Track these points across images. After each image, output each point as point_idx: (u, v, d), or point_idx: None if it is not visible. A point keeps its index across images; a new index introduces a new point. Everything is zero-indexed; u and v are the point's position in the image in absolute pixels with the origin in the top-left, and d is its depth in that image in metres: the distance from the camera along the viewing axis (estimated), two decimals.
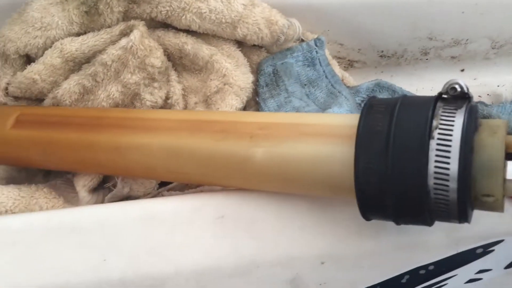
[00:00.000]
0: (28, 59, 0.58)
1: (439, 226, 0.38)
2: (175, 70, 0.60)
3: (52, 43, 0.55)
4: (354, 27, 0.65)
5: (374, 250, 0.44)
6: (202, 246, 0.44)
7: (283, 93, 0.59)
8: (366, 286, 0.47)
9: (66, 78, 0.56)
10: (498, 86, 0.71)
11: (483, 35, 0.68)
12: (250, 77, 0.59)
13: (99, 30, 0.56)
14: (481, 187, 0.34)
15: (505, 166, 0.34)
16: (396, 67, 0.71)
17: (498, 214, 0.36)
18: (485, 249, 0.46)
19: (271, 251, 0.44)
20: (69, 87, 0.54)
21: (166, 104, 0.58)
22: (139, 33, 0.53)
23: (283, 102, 0.59)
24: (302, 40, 0.62)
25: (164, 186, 0.54)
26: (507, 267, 0.48)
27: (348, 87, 0.63)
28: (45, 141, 0.50)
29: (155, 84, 0.55)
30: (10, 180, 0.58)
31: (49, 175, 0.59)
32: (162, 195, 0.53)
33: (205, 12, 0.55)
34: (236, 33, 0.57)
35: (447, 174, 0.34)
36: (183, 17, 0.56)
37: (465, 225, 0.37)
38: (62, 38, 0.55)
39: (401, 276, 0.46)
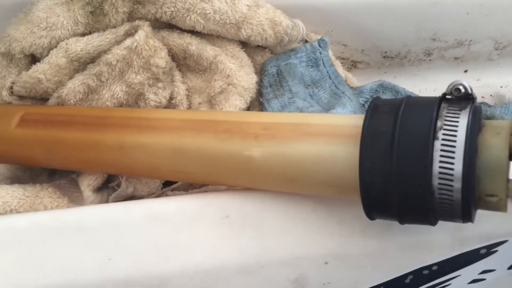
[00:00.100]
0: (33, 59, 0.58)
1: (443, 226, 0.39)
2: (179, 70, 0.60)
3: (57, 43, 0.56)
4: (357, 28, 0.65)
5: (378, 250, 0.44)
6: (206, 245, 0.44)
7: (287, 93, 0.59)
8: (369, 286, 0.47)
9: (71, 77, 0.56)
10: (501, 87, 0.71)
11: (487, 36, 0.68)
12: (254, 78, 0.59)
13: (104, 30, 0.56)
14: (485, 187, 0.34)
15: (508, 166, 0.34)
16: (400, 68, 0.71)
17: (502, 214, 0.36)
18: (489, 250, 0.46)
19: (276, 250, 0.44)
20: (74, 86, 0.54)
21: (170, 104, 0.58)
22: (143, 33, 0.53)
23: (287, 102, 0.59)
24: (306, 41, 0.62)
25: (168, 186, 0.54)
26: (511, 267, 0.48)
27: (351, 87, 0.64)
28: (50, 140, 0.50)
29: (159, 84, 0.56)
30: (15, 180, 0.58)
31: (53, 174, 0.59)
32: (166, 195, 0.53)
33: (209, 13, 0.56)
34: (240, 34, 0.57)
35: (452, 175, 0.34)
36: (188, 17, 0.56)
37: (469, 225, 0.37)
38: (67, 38, 0.56)
39: (405, 276, 0.46)
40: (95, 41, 0.55)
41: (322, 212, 0.44)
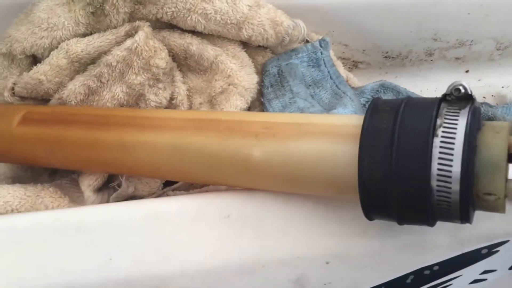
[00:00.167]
0: (35, 60, 0.58)
1: (444, 227, 0.39)
2: (180, 70, 0.60)
3: (58, 43, 0.56)
4: (358, 28, 0.65)
5: (379, 250, 0.44)
6: (207, 245, 0.44)
7: (288, 93, 0.59)
8: (370, 286, 0.47)
9: (71, 79, 0.56)
10: (502, 87, 0.71)
11: (488, 36, 0.68)
12: (255, 78, 0.59)
13: (105, 31, 0.56)
14: (483, 185, 0.35)
15: (507, 165, 0.34)
16: (401, 68, 0.71)
17: (503, 215, 0.36)
18: (490, 250, 0.46)
19: (276, 250, 0.44)
20: (75, 88, 0.54)
21: (170, 105, 0.58)
22: (144, 34, 0.53)
23: (288, 102, 0.59)
24: (307, 41, 0.62)
25: (169, 186, 0.55)
26: None
27: (352, 88, 0.64)
28: (51, 138, 0.50)
29: (160, 85, 0.56)
30: (16, 180, 0.58)
31: (54, 174, 0.60)
32: (167, 195, 0.53)
33: (210, 13, 0.56)
34: (241, 34, 0.57)
35: (450, 177, 0.34)
36: (189, 18, 0.56)
37: (470, 225, 0.37)
38: (68, 39, 0.56)
39: (406, 276, 0.46)
40: (96, 42, 0.55)
41: (323, 212, 0.44)
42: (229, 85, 0.58)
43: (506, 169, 0.34)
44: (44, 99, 0.58)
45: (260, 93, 0.61)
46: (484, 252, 0.46)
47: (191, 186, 0.53)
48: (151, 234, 0.45)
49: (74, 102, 0.55)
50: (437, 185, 0.34)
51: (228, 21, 0.56)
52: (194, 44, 0.58)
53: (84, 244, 0.45)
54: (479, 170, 0.34)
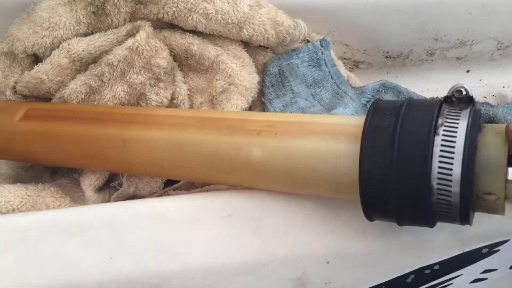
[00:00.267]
0: (36, 59, 0.58)
1: (445, 226, 0.39)
2: (181, 70, 0.60)
3: (60, 43, 0.56)
4: (359, 28, 0.65)
5: (379, 250, 0.44)
6: (208, 244, 0.44)
7: (289, 93, 0.59)
8: (371, 285, 0.47)
9: (73, 78, 0.56)
10: (503, 87, 0.71)
11: (489, 36, 0.68)
12: (255, 78, 0.60)
13: (106, 30, 0.57)
14: (483, 185, 0.35)
15: (507, 165, 0.34)
16: (402, 68, 0.71)
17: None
18: (491, 249, 0.46)
19: (277, 250, 0.44)
20: (76, 87, 0.55)
21: (171, 104, 0.58)
22: (145, 34, 0.53)
23: (289, 102, 0.59)
24: (308, 41, 0.62)
25: (170, 186, 0.55)
26: None
27: (353, 87, 0.64)
28: (52, 134, 0.51)
29: (161, 84, 0.56)
30: (17, 179, 0.58)
31: (55, 174, 0.60)
32: (168, 195, 0.54)
33: (211, 13, 0.56)
34: (242, 34, 0.57)
35: (450, 175, 0.34)
36: (190, 17, 0.56)
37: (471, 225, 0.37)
38: (70, 38, 0.56)
39: (406, 275, 0.46)
40: (97, 41, 0.55)
41: (323, 211, 0.44)
42: (230, 84, 0.58)
43: (506, 168, 0.34)
44: (45, 98, 0.58)
45: (261, 93, 0.61)
46: (485, 252, 0.46)
47: (192, 186, 0.53)
48: (151, 233, 0.45)
49: (76, 101, 0.55)
50: (438, 185, 0.34)
51: (229, 21, 0.56)
52: (195, 44, 0.58)
53: (85, 244, 0.45)
54: (479, 170, 0.34)
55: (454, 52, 0.69)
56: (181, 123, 0.46)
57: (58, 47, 0.56)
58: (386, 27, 0.65)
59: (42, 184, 0.52)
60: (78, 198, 0.54)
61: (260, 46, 0.61)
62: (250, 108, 0.60)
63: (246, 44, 0.61)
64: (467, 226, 0.37)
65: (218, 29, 0.57)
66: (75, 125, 0.50)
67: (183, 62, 0.60)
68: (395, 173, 0.35)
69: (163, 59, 0.55)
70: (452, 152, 0.34)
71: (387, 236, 0.44)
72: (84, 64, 0.56)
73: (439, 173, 0.34)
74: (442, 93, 0.38)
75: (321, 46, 0.61)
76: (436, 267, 0.46)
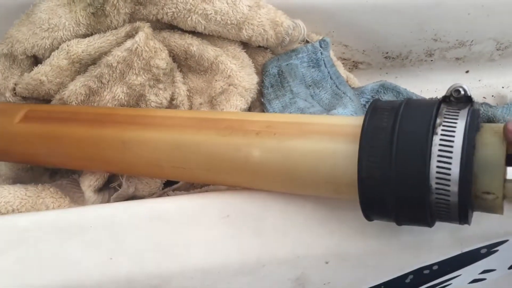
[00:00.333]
0: (36, 60, 0.58)
1: (444, 226, 0.39)
2: (180, 71, 0.60)
3: (59, 44, 0.56)
4: (359, 28, 0.65)
5: (378, 250, 0.44)
6: (207, 245, 0.44)
7: (288, 94, 0.59)
8: (370, 286, 0.47)
9: (72, 79, 0.56)
10: (502, 87, 0.71)
11: (488, 36, 0.68)
12: (255, 78, 0.60)
13: (105, 31, 0.57)
14: (481, 184, 0.35)
15: (506, 166, 0.35)
16: (401, 68, 0.72)
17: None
18: (489, 249, 0.46)
19: (276, 250, 0.44)
20: (75, 88, 0.55)
21: (171, 105, 0.58)
22: (144, 35, 0.53)
23: (288, 103, 0.59)
24: (307, 42, 0.62)
25: (169, 186, 0.55)
26: (511, 267, 0.48)
27: (352, 88, 0.64)
28: (52, 135, 0.51)
29: (160, 85, 0.56)
30: (17, 180, 0.58)
31: (55, 175, 0.60)
32: (167, 195, 0.54)
33: (210, 14, 0.56)
34: (241, 34, 0.58)
35: (449, 174, 0.34)
36: (189, 18, 0.56)
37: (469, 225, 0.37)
38: (69, 39, 0.56)
39: (405, 276, 0.46)
40: (96, 42, 0.55)
41: (322, 212, 0.44)
42: (229, 85, 0.58)
43: (504, 167, 0.34)
44: (45, 100, 0.58)
45: (260, 93, 0.61)
46: (483, 252, 0.46)
47: (191, 186, 0.53)
48: (151, 233, 0.45)
49: (75, 103, 0.55)
50: (436, 185, 0.34)
51: (228, 22, 0.56)
52: (194, 45, 0.58)
53: (85, 244, 0.45)
54: (477, 170, 0.34)
55: (454, 53, 0.69)
56: (180, 124, 0.46)
57: (57, 48, 0.56)
58: (386, 28, 0.65)
59: (42, 184, 0.52)
60: (77, 199, 0.54)
61: (259, 46, 0.61)
62: (249, 109, 0.60)
63: (245, 45, 0.61)
64: (466, 225, 0.37)
65: (217, 29, 0.57)
66: (75, 126, 0.50)
67: (183, 63, 0.60)
68: (394, 173, 0.35)
69: (162, 60, 0.55)
70: (451, 152, 0.34)
71: (386, 236, 0.44)
72: (83, 65, 0.56)
73: (437, 172, 0.34)
74: (441, 93, 0.38)
75: (320, 46, 0.62)
76: (435, 267, 0.46)
